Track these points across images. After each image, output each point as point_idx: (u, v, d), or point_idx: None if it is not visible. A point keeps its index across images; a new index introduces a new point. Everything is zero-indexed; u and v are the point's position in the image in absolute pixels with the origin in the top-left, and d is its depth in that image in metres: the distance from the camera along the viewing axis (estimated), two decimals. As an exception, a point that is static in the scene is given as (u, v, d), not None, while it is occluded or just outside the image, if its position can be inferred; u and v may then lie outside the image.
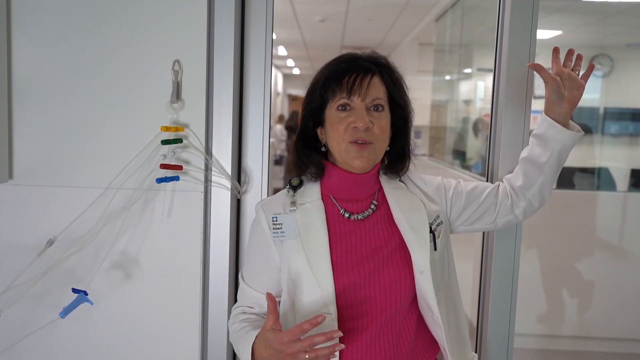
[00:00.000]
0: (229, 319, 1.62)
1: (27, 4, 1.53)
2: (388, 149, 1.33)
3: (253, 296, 1.36)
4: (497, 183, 1.47)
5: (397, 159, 1.36)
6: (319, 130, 1.34)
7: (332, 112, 1.29)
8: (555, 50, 1.39)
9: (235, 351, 1.32)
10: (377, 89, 1.28)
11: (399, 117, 1.34)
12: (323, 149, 1.34)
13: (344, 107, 1.27)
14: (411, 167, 1.40)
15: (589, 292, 3.28)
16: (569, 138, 1.36)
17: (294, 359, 1.11)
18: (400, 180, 1.39)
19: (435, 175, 1.45)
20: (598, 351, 3.27)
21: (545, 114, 1.38)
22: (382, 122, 1.28)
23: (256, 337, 1.21)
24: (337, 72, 1.29)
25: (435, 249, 1.29)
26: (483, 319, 1.73)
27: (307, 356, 1.10)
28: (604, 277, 3.28)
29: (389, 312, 1.25)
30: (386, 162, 1.36)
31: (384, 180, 1.36)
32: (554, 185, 1.44)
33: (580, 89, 1.36)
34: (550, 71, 1.37)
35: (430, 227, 1.30)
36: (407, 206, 1.32)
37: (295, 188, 1.36)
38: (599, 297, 3.27)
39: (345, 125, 1.26)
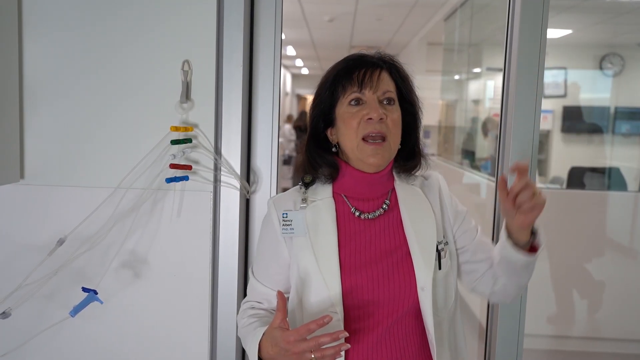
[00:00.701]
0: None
1: (38, 6, 1.54)
2: (399, 147, 1.33)
3: (262, 292, 1.36)
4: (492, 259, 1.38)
5: (408, 156, 1.35)
6: (328, 132, 1.34)
7: (343, 108, 1.29)
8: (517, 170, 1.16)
9: (243, 345, 1.32)
10: (387, 83, 1.29)
11: (409, 113, 1.33)
12: (334, 149, 1.34)
13: (356, 102, 1.27)
14: (441, 176, 1.39)
15: (599, 293, 3.26)
16: (509, 252, 1.23)
17: (299, 358, 1.11)
18: (423, 185, 1.37)
19: (445, 175, 1.44)
20: (608, 352, 3.25)
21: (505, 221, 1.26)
22: (394, 115, 1.28)
23: (263, 334, 1.22)
24: (346, 69, 1.30)
25: (440, 268, 1.27)
26: (493, 319, 1.72)
27: (312, 356, 1.10)
28: (614, 277, 3.25)
29: (395, 316, 1.24)
30: (399, 162, 1.35)
31: (398, 183, 1.34)
32: (521, 286, 1.34)
33: (529, 214, 1.16)
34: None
35: (437, 246, 1.28)
36: (418, 217, 1.30)
37: (307, 185, 1.35)
38: (609, 298, 3.24)
39: (358, 119, 1.25)
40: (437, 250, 1.28)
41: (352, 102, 1.27)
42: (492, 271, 1.34)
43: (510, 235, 1.24)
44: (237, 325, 1.40)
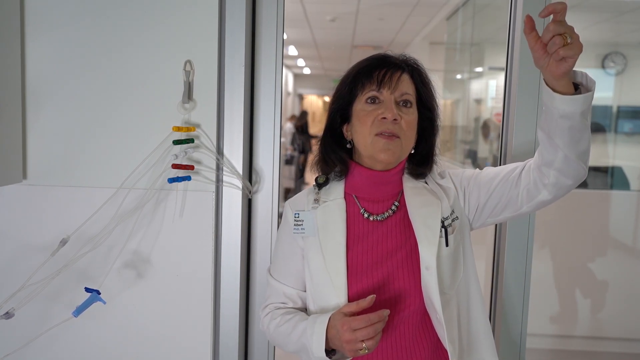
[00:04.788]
0: (240, 318, 1.63)
1: (41, 6, 1.55)
2: (413, 151, 1.33)
3: (285, 292, 1.36)
4: (522, 164, 1.28)
5: (421, 162, 1.35)
6: (344, 128, 1.35)
7: (360, 105, 1.29)
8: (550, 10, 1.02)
9: (288, 338, 1.28)
10: (406, 85, 1.29)
11: (426, 118, 1.33)
12: (348, 145, 1.34)
13: (372, 100, 1.28)
14: (433, 168, 1.38)
15: (602, 292, 3.25)
16: (563, 103, 1.07)
17: (350, 346, 1.14)
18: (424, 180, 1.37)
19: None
20: (611, 352, 3.25)
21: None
22: (410, 117, 1.28)
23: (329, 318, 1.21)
24: (367, 67, 1.30)
25: (447, 245, 1.27)
26: (495, 319, 1.72)
27: (364, 345, 1.12)
28: (617, 276, 3.25)
29: (402, 314, 1.25)
30: (411, 166, 1.35)
31: (406, 178, 1.34)
32: (583, 154, 1.16)
33: (560, 65, 1.04)
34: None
35: (443, 222, 1.27)
36: (423, 202, 1.30)
37: (320, 185, 1.36)
38: (612, 297, 3.24)
39: (373, 118, 1.26)
40: (444, 226, 1.27)
41: (369, 100, 1.28)
42: (527, 177, 1.24)
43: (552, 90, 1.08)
44: (268, 329, 1.36)
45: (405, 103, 1.28)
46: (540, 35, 1.04)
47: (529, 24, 1.03)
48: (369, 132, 1.26)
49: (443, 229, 1.27)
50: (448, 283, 1.26)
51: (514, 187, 1.26)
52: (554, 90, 1.08)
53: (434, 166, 1.38)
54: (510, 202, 1.28)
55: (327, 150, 1.35)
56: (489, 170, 1.33)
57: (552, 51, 1.02)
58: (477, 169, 1.37)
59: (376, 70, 1.29)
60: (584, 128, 1.12)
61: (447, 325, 1.22)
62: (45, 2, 1.55)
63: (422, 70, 1.34)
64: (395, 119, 1.24)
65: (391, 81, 1.27)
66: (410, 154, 1.33)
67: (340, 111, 1.34)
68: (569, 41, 1.01)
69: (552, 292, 3.26)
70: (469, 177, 1.35)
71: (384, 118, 1.24)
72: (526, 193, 1.25)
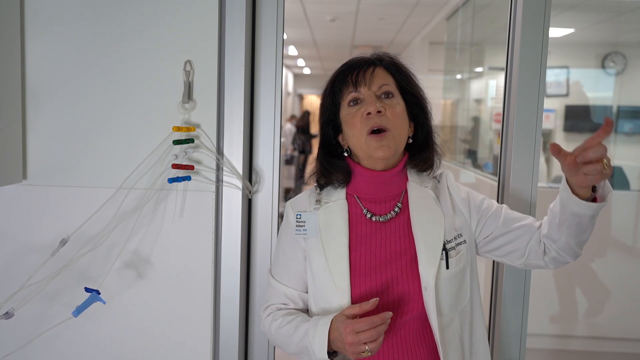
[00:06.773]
0: (240, 318, 1.63)
1: (40, 6, 1.55)
2: (411, 141, 1.33)
3: (286, 293, 1.36)
4: (539, 224, 1.33)
5: (420, 150, 1.34)
6: (340, 138, 1.36)
7: (344, 110, 1.30)
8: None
9: (290, 339, 1.28)
10: (382, 77, 1.30)
11: (414, 105, 1.33)
12: (346, 153, 1.35)
13: (354, 102, 1.29)
14: (450, 174, 1.38)
15: (602, 292, 3.25)
16: (578, 206, 1.14)
17: (352, 348, 1.13)
18: (436, 187, 1.36)
19: (455, 178, 1.43)
20: (612, 351, 3.25)
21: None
22: (395, 108, 1.28)
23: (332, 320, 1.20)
24: (341, 74, 1.32)
25: (447, 268, 1.25)
26: (495, 319, 1.72)
27: (367, 347, 1.12)
28: (617, 277, 3.25)
29: (403, 318, 1.24)
30: (413, 156, 1.34)
31: (412, 184, 1.34)
32: (583, 242, 1.27)
33: (585, 180, 1.09)
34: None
35: (445, 245, 1.26)
36: (427, 218, 1.29)
37: (322, 186, 1.37)
38: (612, 297, 3.24)
39: (359, 118, 1.26)
40: (446, 249, 1.26)
41: (351, 103, 1.30)
42: (537, 237, 1.30)
43: (571, 189, 1.14)
44: (269, 330, 1.35)
45: (387, 94, 1.29)
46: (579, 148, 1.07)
47: (555, 150, 1.08)
48: (360, 133, 1.27)
49: (444, 251, 1.26)
50: (448, 304, 1.25)
51: (525, 242, 1.31)
52: (573, 192, 1.14)
53: (448, 172, 1.38)
54: (517, 252, 1.32)
55: (324, 165, 1.35)
56: (510, 211, 1.36)
57: (590, 176, 1.07)
58: (495, 200, 1.37)
59: (349, 73, 1.30)
60: (590, 226, 1.21)
61: (443, 348, 1.23)
62: (45, 2, 1.55)
63: (396, 60, 1.35)
64: (379, 111, 1.25)
65: (365, 77, 1.29)
66: (411, 145, 1.33)
67: (330, 123, 1.35)
68: (607, 170, 1.06)
69: (553, 292, 3.26)
70: (489, 206, 1.35)
71: (369, 113, 1.25)
72: (531, 254, 1.31)
